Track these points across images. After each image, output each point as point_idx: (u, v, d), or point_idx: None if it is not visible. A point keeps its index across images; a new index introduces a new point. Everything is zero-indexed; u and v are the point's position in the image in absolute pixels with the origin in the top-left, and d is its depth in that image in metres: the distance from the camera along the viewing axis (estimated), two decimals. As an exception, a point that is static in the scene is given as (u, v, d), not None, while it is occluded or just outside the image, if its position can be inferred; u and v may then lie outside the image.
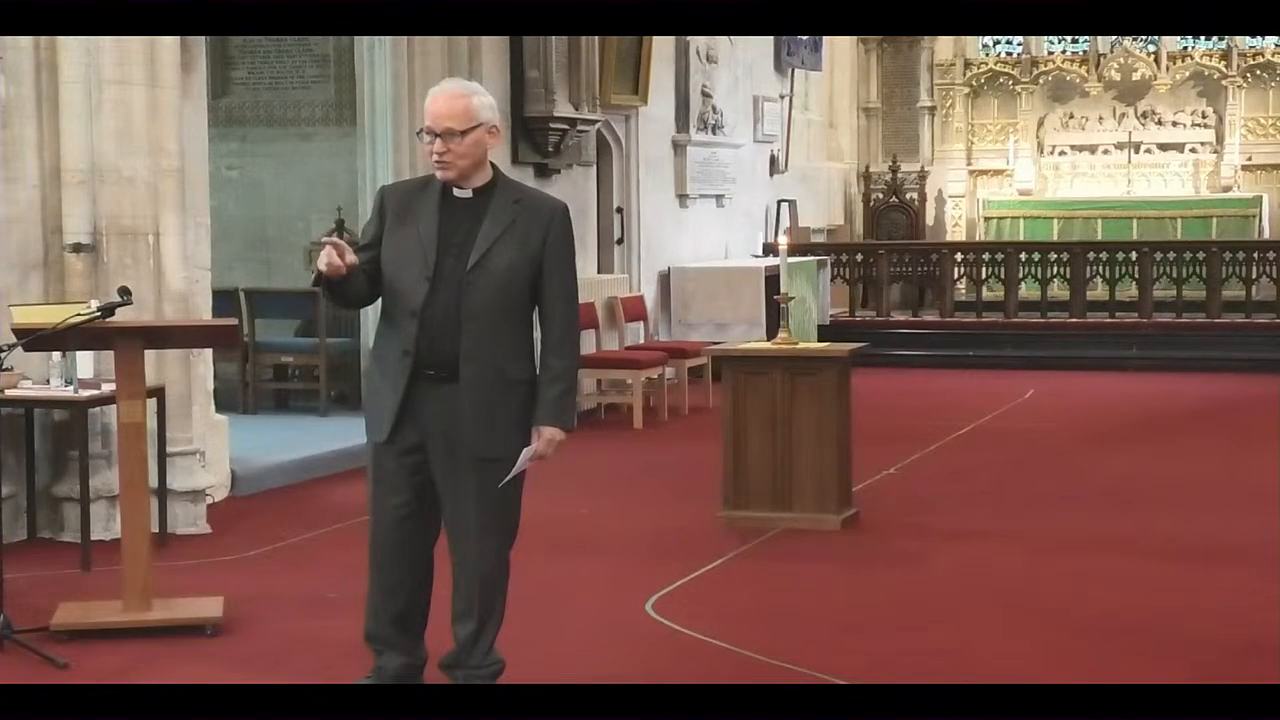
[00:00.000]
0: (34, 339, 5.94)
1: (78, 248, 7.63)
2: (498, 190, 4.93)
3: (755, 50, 16.25)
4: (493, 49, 11.35)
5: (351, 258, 4.73)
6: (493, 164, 4.98)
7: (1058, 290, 15.78)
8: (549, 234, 4.91)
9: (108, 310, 5.85)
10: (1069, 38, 19.07)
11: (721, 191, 15.52)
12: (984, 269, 16.15)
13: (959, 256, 16.37)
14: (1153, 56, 18.50)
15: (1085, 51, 18.85)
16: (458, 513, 4.97)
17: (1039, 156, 18.93)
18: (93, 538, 7.25)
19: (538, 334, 4.99)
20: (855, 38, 19.14)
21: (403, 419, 4.87)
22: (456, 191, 4.89)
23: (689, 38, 14.60)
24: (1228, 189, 18.17)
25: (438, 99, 4.84)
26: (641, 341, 13.11)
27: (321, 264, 4.70)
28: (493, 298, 4.83)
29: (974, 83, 19.24)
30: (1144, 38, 18.57)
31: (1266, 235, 17.30)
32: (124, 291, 5.97)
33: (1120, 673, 5.43)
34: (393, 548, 5.04)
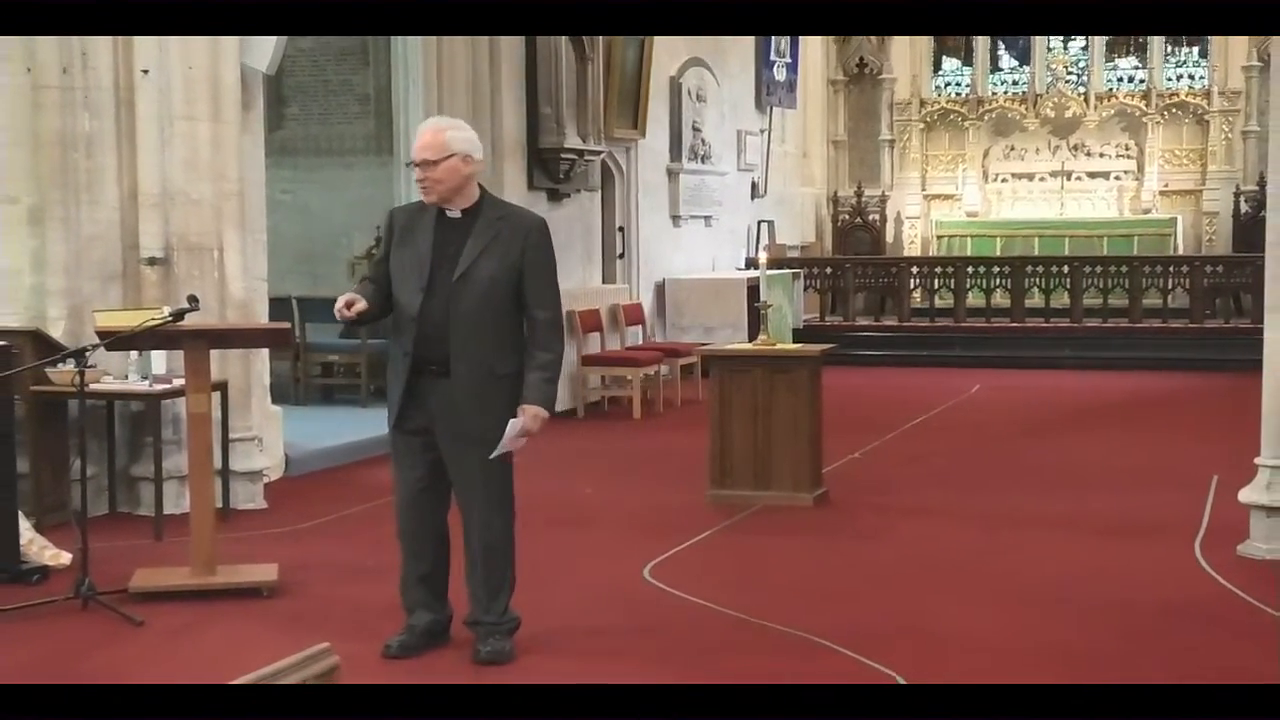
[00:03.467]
0: (114, 340, 5.94)
1: (152, 261, 7.63)
2: (483, 210, 5.02)
3: (739, 90, 16.24)
4: (511, 89, 11.34)
5: (360, 305, 4.99)
6: (482, 187, 5.07)
7: (1000, 299, 15.76)
8: (526, 245, 4.97)
9: (178, 315, 5.85)
10: (1010, 80, 19.06)
11: (709, 213, 15.51)
12: (936, 280, 16.15)
13: (915, 269, 16.36)
14: (1083, 96, 18.51)
15: (1024, 92, 18.85)
16: (463, 491, 5.07)
17: (984, 183, 18.92)
18: (165, 512, 7.25)
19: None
20: (825, 80, 19.14)
21: (407, 407, 5.01)
22: (448, 213, 5.00)
23: (682, 79, 14.59)
24: (1147, 211, 18.16)
25: (419, 134, 5.03)
26: (640, 343, 13.10)
27: (337, 314, 5.03)
28: (477, 304, 4.92)
29: (928, 119, 19.23)
30: (1074, 80, 18.56)
31: (1181, 251, 17.29)
32: (192, 299, 5.97)
33: (1058, 631, 5.44)
34: (415, 517, 5.15)
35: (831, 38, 19.12)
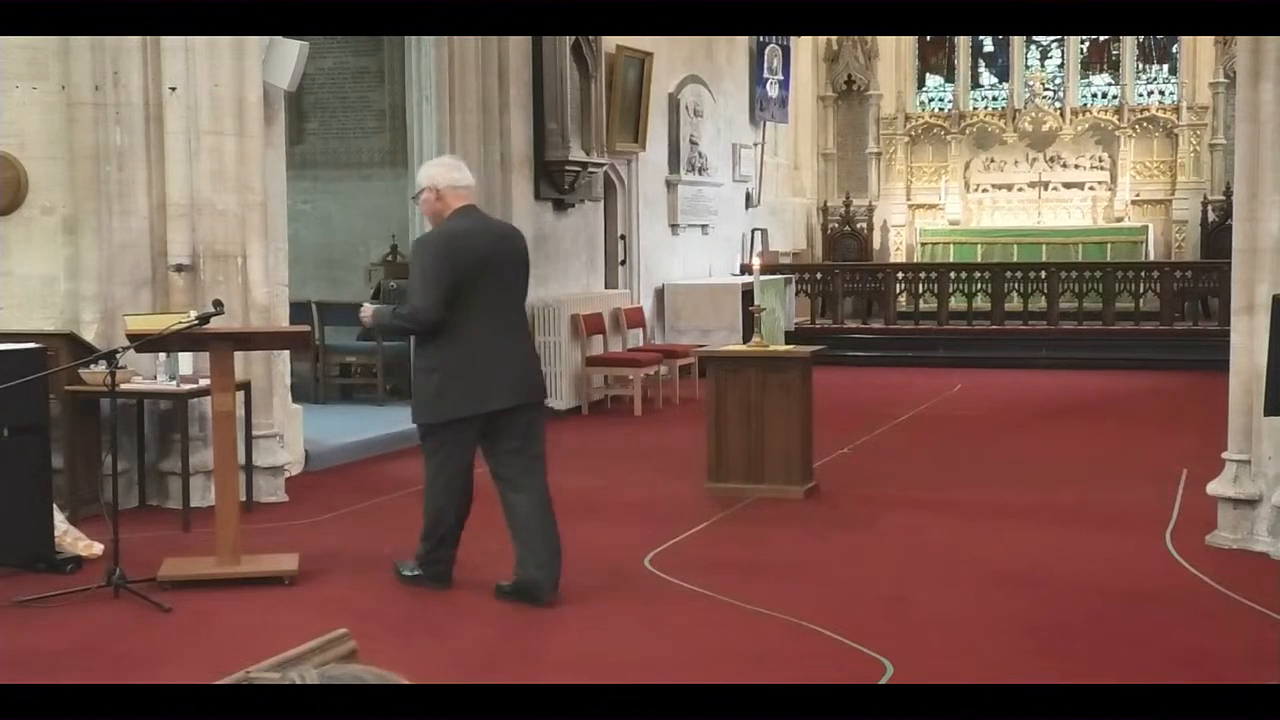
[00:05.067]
0: (144, 342, 5.94)
1: (180, 268, 7.63)
2: None
3: (734, 106, 16.24)
4: (519, 105, 11.34)
5: None
6: (472, 208, 5.62)
7: (981, 303, 15.75)
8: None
9: (204, 319, 5.86)
10: (990, 96, 19.06)
11: (706, 222, 15.50)
12: (920, 285, 16.13)
13: (900, 275, 16.35)
14: (1059, 111, 18.50)
15: (1004, 107, 18.84)
16: None
17: (965, 193, 18.90)
18: (192, 505, 7.25)
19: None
20: (815, 96, 19.14)
21: None
22: None
23: (680, 96, 14.60)
24: (1119, 220, 18.15)
25: None
26: (641, 344, 13.09)
27: None
28: None
29: (912, 133, 19.21)
30: (1051, 96, 18.56)
31: (1151, 258, 17.27)
32: (217, 304, 5.98)
33: (1032, 613, 5.44)
34: None
35: (822, 56, 19.11)
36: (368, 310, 5.77)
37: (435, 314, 5.40)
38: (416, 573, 5.87)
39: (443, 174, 5.60)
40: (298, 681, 1.33)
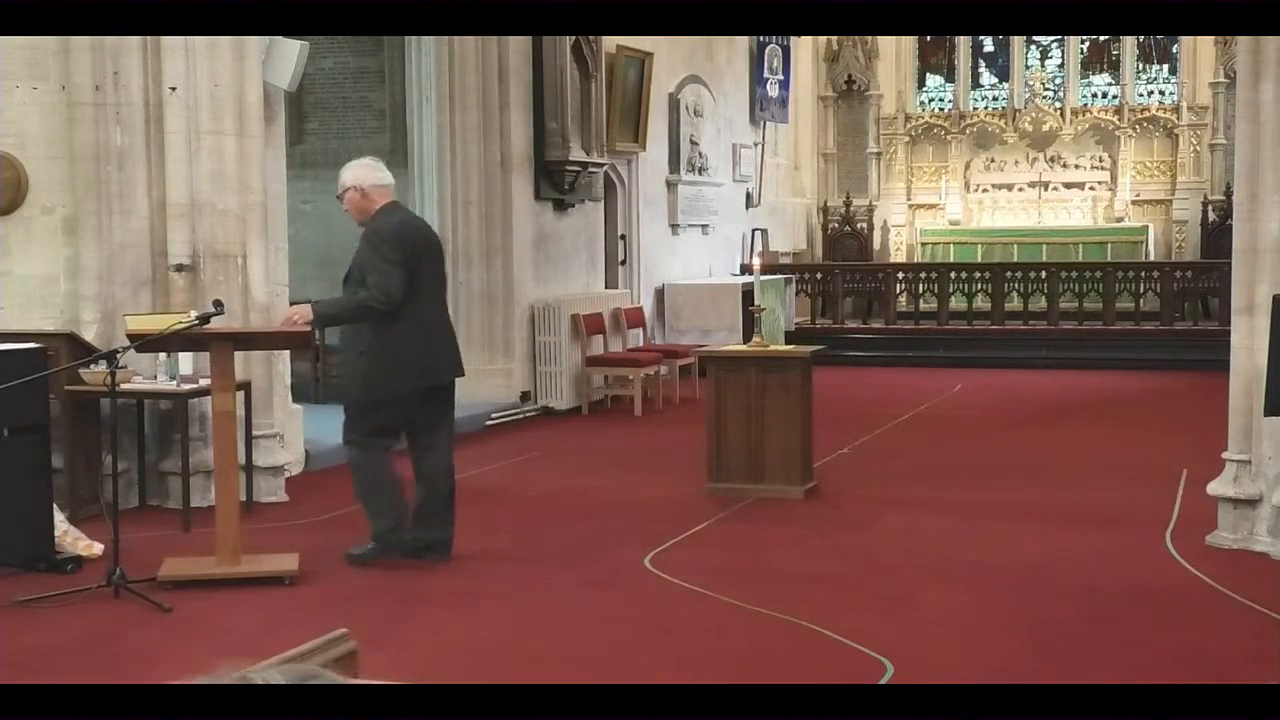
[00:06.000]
0: (144, 342, 5.95)
1: (180, 268, 7.63)
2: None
3: (734, 106, 16.24)
4: (519, 105, 11.33)
5: None
6: (396, 204, 6.28)
7: (981, 303, 15.74)
8: (360, 242, 6.11)
9: (204, 319, 5.87)
10: (990, 96, 19.05)
11: (706, 222, 15.50)
12: (921, 285, 16.13)
13: (900, 275, 16.35)
14: (1059, 111, 18.49)
15: (1004, 107, 18.84)
16: None
17: (966, 193, 18.90)
18: (192, 505, 7.25)
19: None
20: (816, 96, 19.14)
21: None
22: None
23: (680, 96, 14.59)
24: (1120, 220, 18.14)
25: None
26: (641, 344, 13.09)
27: None
28: (348, 295, 6.09)
29: (913, 133, 19.20)
30: (1051, 96, 18.55)
31: (1152, 258, 17.27)
32: (217, 303, 6.00)
33: (1029, 612, 5.44)
34: None
35: (822, 56, 19.11)
36: (307, 310, 6.04)
37: (401, 293, 5.95)
38: (369, 549, 6.19)
39: (367, 174, 6.17)
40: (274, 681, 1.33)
